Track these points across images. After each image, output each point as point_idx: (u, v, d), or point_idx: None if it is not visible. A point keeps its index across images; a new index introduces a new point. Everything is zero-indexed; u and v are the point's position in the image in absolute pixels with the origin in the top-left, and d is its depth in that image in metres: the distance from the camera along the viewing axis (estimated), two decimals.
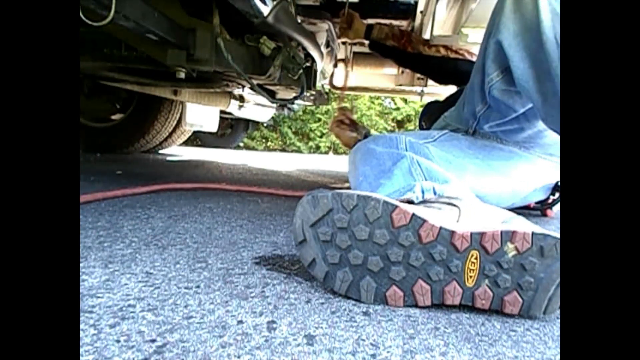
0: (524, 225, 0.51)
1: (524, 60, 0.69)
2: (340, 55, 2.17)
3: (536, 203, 1.24)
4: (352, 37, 1.57)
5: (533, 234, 0.47)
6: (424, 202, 0.63)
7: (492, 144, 0.90)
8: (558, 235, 0.47)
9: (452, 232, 0.48)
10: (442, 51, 1.42)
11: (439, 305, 0.51)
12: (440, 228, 0.48)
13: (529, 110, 0.81)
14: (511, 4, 0.70)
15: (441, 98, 1.87)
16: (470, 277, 0.48)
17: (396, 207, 0.48)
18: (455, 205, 0.56)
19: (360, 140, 1.60)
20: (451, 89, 1.51)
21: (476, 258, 0.48)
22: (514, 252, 0.48)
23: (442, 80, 1.59)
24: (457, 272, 0.48)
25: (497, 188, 0.90)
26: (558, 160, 0.93)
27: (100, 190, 1.06)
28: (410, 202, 0.63)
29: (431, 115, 1.42)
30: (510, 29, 0.70)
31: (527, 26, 0.67)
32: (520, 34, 0.69)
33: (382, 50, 1.53)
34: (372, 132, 1.69)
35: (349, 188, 0.76)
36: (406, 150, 0.81)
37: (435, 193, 0.65)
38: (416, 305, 0.49)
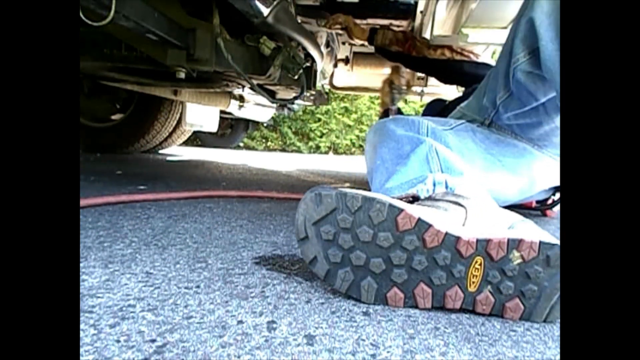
0: (531, 233, 0.50)
1: (554, 40, 0.68)
2: (341, 55, 2.17)
3: (537, 202, 1.24)
4: (352, 39, 1.58)
5: (540, 243, 0.47)
6: (430, 197, 0.62)
7: (507, 139, 0.89)
8: None
9: (458, 238, 0.47)
10: (447, 54, 1.42)
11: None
12: (446, 233, 0.47)
13: (549, 102, 0.80)
14: None
15: (441, 97, 1.88)
16: (473, 282, 0.48)
17: (402, 210, 0.48)
18: (462, 205, 0.56)
19: (388, 110, 1.62)
20: (451, 87, 1.52)
21: (480, 264, 0.48)
22: (519, 260, 0.47)
23: (447, 81, 1.59)
24: (460, 277, 0.48)
25: (503, 186, 0.89)
26: None
27: (102, 191, 1.06)
28: (415, 197, 0.62)
29: (434, 115, 1.42)
30: (544, 8, 0.69)
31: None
32: (553, 13, 0.68)
33: (387, 55, 1.53)
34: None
35: (349, 188, 0.76)
36: (427, 135, 0.79)
37: (447, 187, 0.64)
38: (416, 307, 0.49)
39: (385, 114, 1.77)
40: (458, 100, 1.32)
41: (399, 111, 1.81)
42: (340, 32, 1.61)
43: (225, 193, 1.24)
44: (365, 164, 0.91)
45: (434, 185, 0.64)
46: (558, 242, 0.47)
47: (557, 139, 0.88)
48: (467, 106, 1.00)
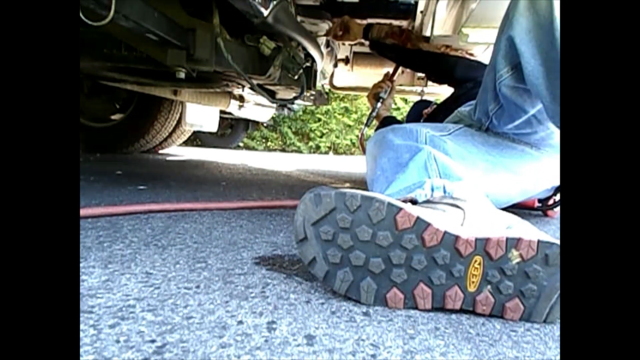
0: (529, 232, 0.51)
1: (535, 57, 0.69)
2: (341, 55, 2.17)
3: (538, 201, 1.24)
4: (352, 39, 1.58)
5: (539, 241, 0.47)
6: (428, 201, 0.62)
7: (505, 142, 0.91)
8: None
9: (457, 237, 0.47)
10: (442, 49, 1.44)
11: None
12: (445, 232, 0.47)
13: (538, 112, 0.81)
14: (525, 1, 0.70)
15: (441, 98, 1.87)
16: (473, 282, 0.48)
17: (400, 209, 0.48)
18: (459, 207, 0.56)
19: (377, 110, 1.60)
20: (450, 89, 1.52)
21: (479, 263, 0.48)
22: (518, 259, 0.47)
23: (439, 77, 1.57)
24: (459, 277, 0.48)
25: (506, 187, 0.90)
26: None
27: (102, 191, 1.06)
28: (413, 201, 0.63)
29: (417, 118, 1.43)
30: (523, 25, 0.70)
31: (541, 23, 0.67)
32: (532, 31, 0.69)
33: (381, 48, 1.53)
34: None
35: (349, 188, 0.76)
36: (425, 143, 0.81)
37: (445, 191, 0.65)
38: (416, 308, 0.49)
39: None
40: (448, 102, 1.32)
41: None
42: (339, 32, 1.59)
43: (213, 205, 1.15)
44: (365, 173, 0.92)
45: (432, 190, 0.65)
46: (556, 241, 0.47)
47: (554, 142, 0.89)
48: (464, 112, 1.01)
